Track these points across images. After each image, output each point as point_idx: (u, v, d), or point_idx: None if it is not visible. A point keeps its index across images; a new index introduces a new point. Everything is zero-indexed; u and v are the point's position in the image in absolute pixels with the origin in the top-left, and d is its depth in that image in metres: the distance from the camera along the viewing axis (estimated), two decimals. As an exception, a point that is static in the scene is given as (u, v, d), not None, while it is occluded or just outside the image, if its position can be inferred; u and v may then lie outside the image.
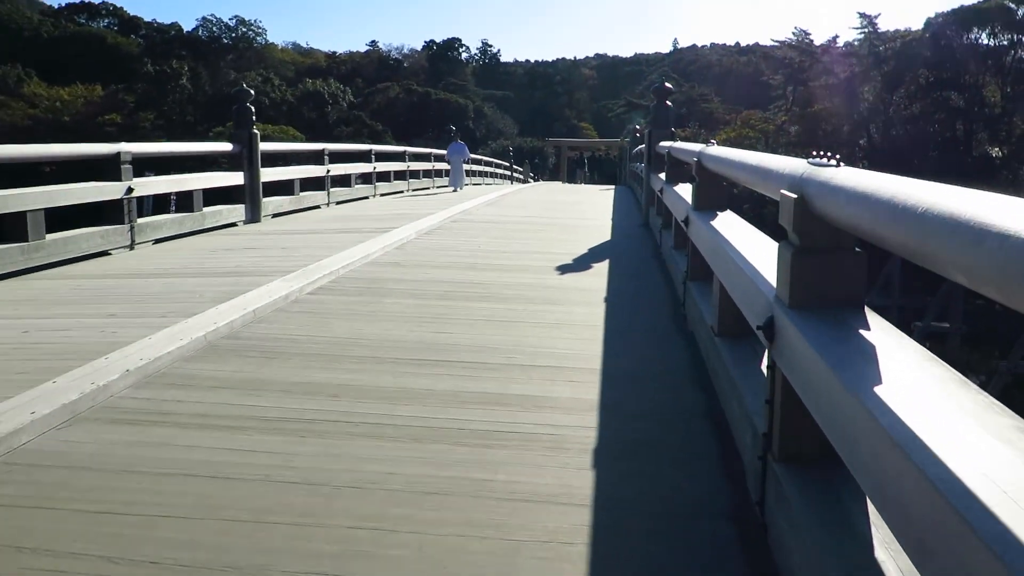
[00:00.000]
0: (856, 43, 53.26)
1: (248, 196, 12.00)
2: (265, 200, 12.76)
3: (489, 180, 33.93)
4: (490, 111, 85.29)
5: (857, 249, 2.50)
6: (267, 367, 4.32)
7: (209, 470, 3.00)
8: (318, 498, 2.81)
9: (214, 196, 11.87)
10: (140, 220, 9.22)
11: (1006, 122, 45.15)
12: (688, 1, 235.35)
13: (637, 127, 25.90)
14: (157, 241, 9.46)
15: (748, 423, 2.99)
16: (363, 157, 18.60)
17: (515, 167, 44.65)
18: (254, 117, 12.34)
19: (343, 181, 16.96)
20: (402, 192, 20.72)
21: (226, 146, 11.96)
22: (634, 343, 5.05)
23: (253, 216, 12.02)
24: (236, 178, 11.84)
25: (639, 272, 7.69)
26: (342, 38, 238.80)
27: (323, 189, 15.29)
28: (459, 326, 5.33)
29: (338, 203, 15.82)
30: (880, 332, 2.23)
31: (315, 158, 15.42)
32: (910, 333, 24.29)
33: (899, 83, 47.04)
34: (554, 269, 7.63)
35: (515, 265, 7.84)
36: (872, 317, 2.38)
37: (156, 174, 10.80)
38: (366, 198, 17.64)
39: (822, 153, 2.66)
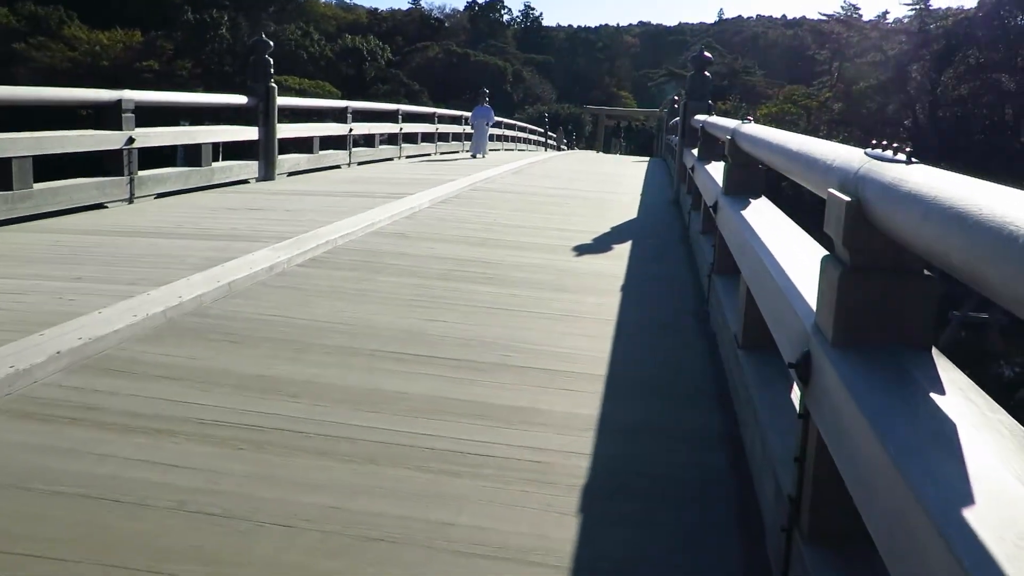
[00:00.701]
0: (906, 19, 51.54)
1: (262, 152, 11.50)
2: (281, 158, 12.26)
3: (522, 146, 33.20)
4: (529, 75, 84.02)
5: (927, 272, 1.92)
6: (227, 354, 3.82)
7: (114, 491, 2.49)
8: (235, 537, 2.29)
9: (231, 151, 11.43)
10: (141, 173, 8.75)
11: (1058, 107, 43.44)
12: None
13: (675, 97, 25.04)
14: (160, 196, 9.01)
15: (771, 472, 2.43)
16: (390, 117, 18.03)
17: (550, 134, 43.83)
18: (272, 69, 11.80)
19: (367, 141, 16.44)
20: (429, 155, 20.14)
21: (241, 99, 11.43)
22: (647, 343, 4.48)
23: (267, 174, 11.53)
24: (250, 133, 11.33)
25: (662, 257, 7.09)
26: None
27: (344, 148, 14.77)
28: (454, 313, 4.79)
29: (360, 164, 15.29)
30: (956, 393, 1.65)
31: (338, 116, 14.89)
32: (947, 323, 23.56)
33: (948, 63, 45.43)
34: (571, 249, 7.05)
35: (530, 243, 7.27)
36: (944, 367, 1.80)
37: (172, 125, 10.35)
38: (390, 159, 17.09)
39: (885, 143, 2.03)
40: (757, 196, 4.67)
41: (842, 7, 53.45)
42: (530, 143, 35.43)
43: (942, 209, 1.43)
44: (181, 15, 63.97)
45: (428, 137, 20.70)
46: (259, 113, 11.45)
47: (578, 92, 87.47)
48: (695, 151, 8.89)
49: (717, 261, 4.93)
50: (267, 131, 11.52)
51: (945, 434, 1.46)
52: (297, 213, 8.15)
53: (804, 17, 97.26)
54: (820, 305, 2.07)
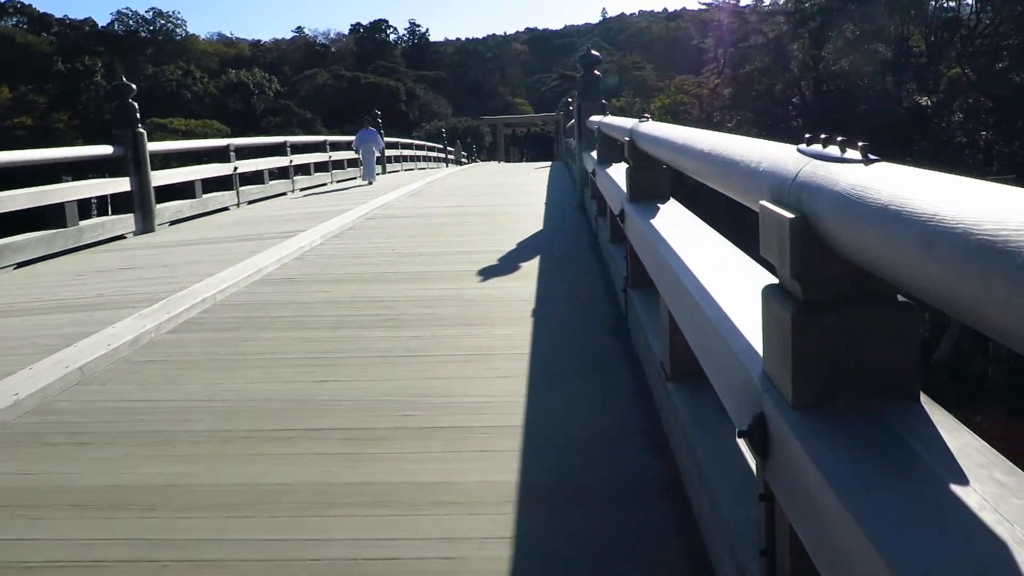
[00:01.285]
0: (782, 1, 52.89)
1: (137, 203, 10.68)
2: (161, 206, 11.46)
3: (422, 164, 32.64)
4: (422, 92, 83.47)
5: (901, 299, 1.48)
6: (70, 461, 3.19)
7: None
8: None
9: (108, 206, 10.60)
10: (-3, 243, 7.92)
11: (933, 71, 45.13)
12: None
13: (569, 100, 24.87)
14: (20, 265, 8.17)
15: (729, 550, 1.97)
16: (278, 150, 17.26)
17: (449, 149, 43.36)
18: (138, 114, 10.98)
19: (256, 178, 15.65)
20: (325, 185, 19.41)
21: (105, 149, 10.59)
22: (566, 378, 4.00)
23: (145, 226, 10.72)
24: (121, 184, 10.51)
25: (573, 271, 6.65)
26: (268, 26, 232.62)
27: (231, 189, 13.99)
28: (347, 368, 4.24)
29: (250, 203, 14.51)
30: (961, 453, 1.21)
31: (220, 155, 14.09)
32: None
33: (827, 39, 46.75)
34: (476, 274, 6.56)
35: (431, 272, 6.74)
36: (940, 419, 1.36)
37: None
38: (283, 195, 16.33)
39: (825, 137, 1.57)
40: (665, 199, 4.27)
41: (719, -5, 54.45)
42: (430, 160, 34.90)
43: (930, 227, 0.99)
44: (51, 66, 61.46)
45: (322, 167, 19.98)
46: (128, 162, 10.63)
47: (474, 104, 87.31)
48: (594, 154, 8.53)
49: (631, 275, 4.50)
50: (140, 180, 10.71)
51: (954, 513, 1.10)
52: (175, 268, 7.45)
53: (684, 9, 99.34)
54: (769, 350, 1.62)
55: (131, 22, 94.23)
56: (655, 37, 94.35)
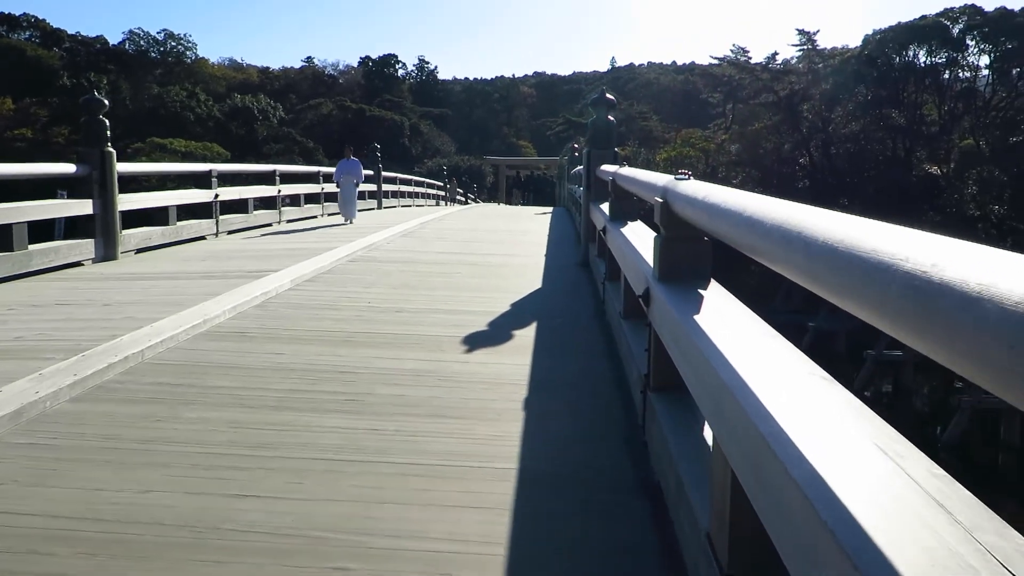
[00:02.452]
0: (795, 60, 52.62)
1: (100, 228, 9.72)
2: (128, 232, 10.51)
3: (420, 201, 31.81)
4: (427, 128, 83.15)
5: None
6: None
7: None
8: None
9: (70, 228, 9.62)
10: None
11: (945, 140, 44.65)
12: (624, 20, 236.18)
13: (575, 145, 24.07)
14: (-52, 294, 7.17)
15: None
16: (265, 179, 16.35)
17: (454, 188, 42.61)
18: (108, 131, 10.06)
19: (240, 207, 14.70)
20: (315, 217, 18.48)
21: (67, 167, 9.64)
22: (561, 521, 2.97)
23: (106, 253, 9.74)
24: (82, 207, 9.55)
25: (576, 347, 5.65)
26: (278, 54, 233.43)
27: (210, 217, 13.03)
28: (280, 476, 3.22)
29: (230, 233, 13.57)
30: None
31: (200, 180, 13.16)
32: (862, 362, 22.65)
33: (838, 101, 46.43)
34: (460, 341, 5.57)
35: (408, 336, 5.74)
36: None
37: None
38: (268, 225, 15.39)
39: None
40: (705, 283, 3.30)
41: (732, 50, 54.28)
42: (428, 197, 34.09)
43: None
44: (56, 80, 60.84)
45: (313, 198, 19.07)
46: (93, 183, 9.68)
47: (478, 143, 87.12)
48: (605, 207, 7.58)
49: (654, 372, 3.52)
50: (104, 203, 9.75)
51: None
52: (115, 308, 6.45)
53: (694, 63, 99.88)
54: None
55: (142, 42, 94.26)
56: (663, 88, 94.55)
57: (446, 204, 35.73)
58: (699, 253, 3.35)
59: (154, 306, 6.45)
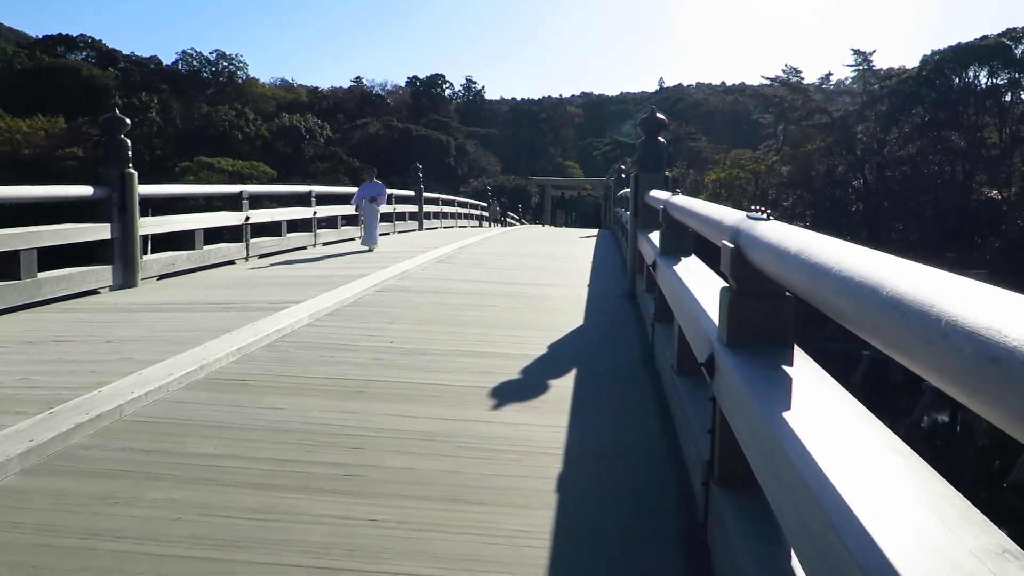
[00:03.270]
0: (850, 81, 51.35)
1: (118, 253, 9.23)
2: (149, 258, 10.02)
3: (463, 222, 31.27)
4: (473, 148, 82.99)
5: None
6: None
7: None
8: None
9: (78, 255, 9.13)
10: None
11: (1006, 164, 43.00)
12: (674, 41, 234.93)
13: (622, 167, 23.36)
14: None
15: None
16: (301, 200, 15.86)
17: (495, 208, 42.08)
18: (130, 152, 9.58)
19: (273, 229, 14.22)
20: (353, 239, 17.97)
21: (85, 190, 9.15)
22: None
23: (125, 280, 9.24)
24: (99, 231, 9.06)
25: (621, 402, 4.90)
26: (327, 74, 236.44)
27: (241, 240, 12.54)
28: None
29: (261, 256, 13.06)
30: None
31: (232, 201, 12.68)
32: (859, 360, 21.40)
33: (894, 122, 45.08)
34: (487, 394, 4.86)
35: (428, 385, 5.04)
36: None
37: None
38: (303, 248, 14.88)
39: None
40: (788, 350, 2.56)
41: (784, 71, 53.12)
42: (471, 219, 33.56)
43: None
44: (108, 99, 61.67)
45: (352, 220, 18.58)
46: (112, 206, 9.19)
47: (523, 163, 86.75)
48: (654, 238, 6.85)
49: (719, 462, 2.77)
50: (124, 227, 9.26)
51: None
52: (115, 346, 5.86)
53: (744, 83, 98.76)
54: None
55: (194, 62, 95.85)
56: (712, 109, 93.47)
57: (489, 225, 35.18)
58: (780, 312, 2.61)
59: (157, 344, 5.86)
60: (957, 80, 45.37)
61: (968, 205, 39.54)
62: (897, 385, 26.52)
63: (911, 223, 42.29)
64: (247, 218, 12.59)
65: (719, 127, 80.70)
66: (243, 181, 47.55)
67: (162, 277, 10.11)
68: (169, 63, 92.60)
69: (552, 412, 4.56)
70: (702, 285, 4.02)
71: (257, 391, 4.80)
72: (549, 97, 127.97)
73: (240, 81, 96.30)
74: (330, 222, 17.19)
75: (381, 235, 19.85)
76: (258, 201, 12.70)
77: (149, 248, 10.73)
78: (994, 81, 44.80)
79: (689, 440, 3.58)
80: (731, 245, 2.73)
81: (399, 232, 21.54)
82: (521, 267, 12.17)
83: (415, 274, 10.60)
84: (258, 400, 4.61)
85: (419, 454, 3.81)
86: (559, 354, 6.01)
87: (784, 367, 2.44)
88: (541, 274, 11.32)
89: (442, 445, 3.94)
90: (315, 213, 15.69)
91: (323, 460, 3.70)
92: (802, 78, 53.64)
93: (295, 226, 15.12)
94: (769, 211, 2.72)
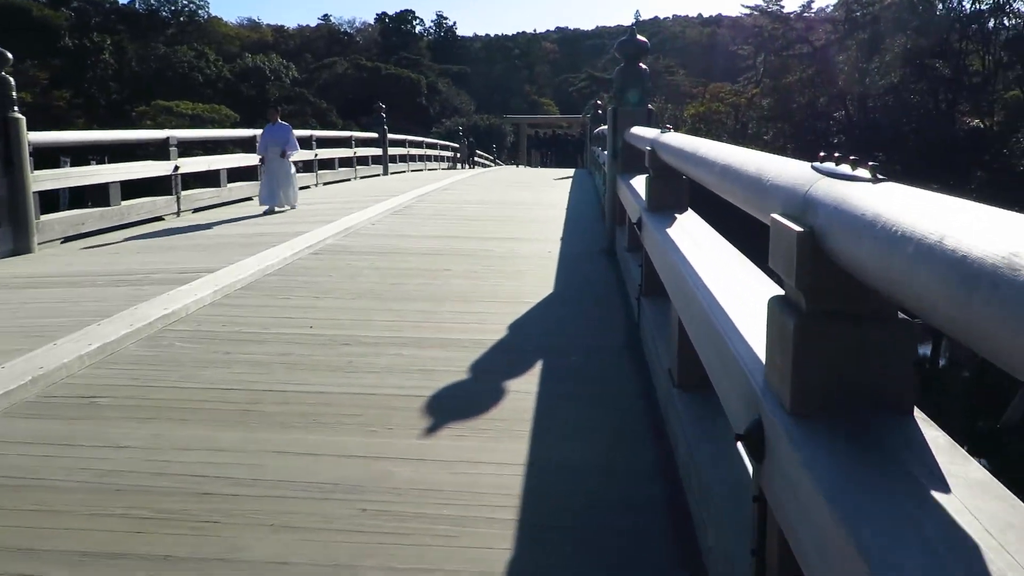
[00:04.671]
0: (831, 8, 49.56)
1: (6, 215, 7.83)
2: (51, 217, 8.63)
3: (433, 165, 29.72)
4: (445, 87, 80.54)
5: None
6: None
7: None
8: None
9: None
10: None
11: (989, 91, 41.75)
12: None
13: (598, 102, 21.87)
14: None
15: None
16: (242, 145, 14.34)
17: (466, 149, 40.43)
18: (14, 94, 8.10)
19: (212, 179, 12.75)
20: (309, 187, 16.52)
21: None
22: None
23: (17, 245, 7.88)
24: (-22, 188, 7.64)
25: (600, 416, 3.62)
26: (295, 12, 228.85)
27: (170, 193, 11.09)
28: None
29: (197, 210, 11.65)
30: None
31: (156, 150, 11.21)
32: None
33: (876, 51, 43.58)
34: (422, 408, 3.59)
35: (344, 396, 3.76)
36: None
37: None
38: (248, 199, 13.42)
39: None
40: (918, 430, 1.31)
41: (763, -1, 51.19)
42: (442, 160, 31.98)
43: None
44: (58, 41, 58.71)
45: (306, 166, 17.10)
46: (-6, 158, 7.76)
47: (498, 102, 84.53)
48: (638, 185, 5.56)
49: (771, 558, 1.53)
50: (11, 183, 7.84)
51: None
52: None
53: (720, 15, 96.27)
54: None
55: (153, 1, 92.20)
56: (689, 42, 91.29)
57: (461, 167, 33.65)
58: (898, 358, 1.35)
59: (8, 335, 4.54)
60: (940, 6, 43.85)
61: (952, 135, 38.37)
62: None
63: (893, 154, 41.18)
64: (176, 168, 11.14)
65: (697, 60, 78.72)
66: (203, 125, 45.49)
67: (69, 239, 8.72)
68: (126, 2, 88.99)
69: (506, 436, 3.31)
70: (717, 266, 2.76)
71: (104, 416, 3.51)
72: (523, 32, 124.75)
73: (202, 20, 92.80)
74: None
75: (337, 181, 18.38)
76: (172, 151, 11.00)
77: (66, 205, 9.34)
78: (977, 6, 43.28)
79: (704, 509, 2.34)
80: (797, 228, 1.45)
81: (361, 178, 20.05)
82: (486, 217, 10.81)
83: (364, 230, 9.25)
84: (99, 433, 3.32)
85: (303, 531, 2.56)
86: (521, 339, 4.74)
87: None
88: (508, 225, 9.98)
89: (341, 511, 2.68)
90: (262, 161, 14.18)
91: (150, 550, 2.44)
92: (782, 6, 51.74)
93: (239, 175, 13.65)
94: (872, 163, 1.43)
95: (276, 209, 11.65)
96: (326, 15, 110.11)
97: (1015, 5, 42.14)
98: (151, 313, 4.99)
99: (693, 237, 3.49)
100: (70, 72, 57.07)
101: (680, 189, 4.40)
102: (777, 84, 47.19)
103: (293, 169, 12.33)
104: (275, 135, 12.16)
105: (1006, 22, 42.45)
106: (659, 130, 4.71)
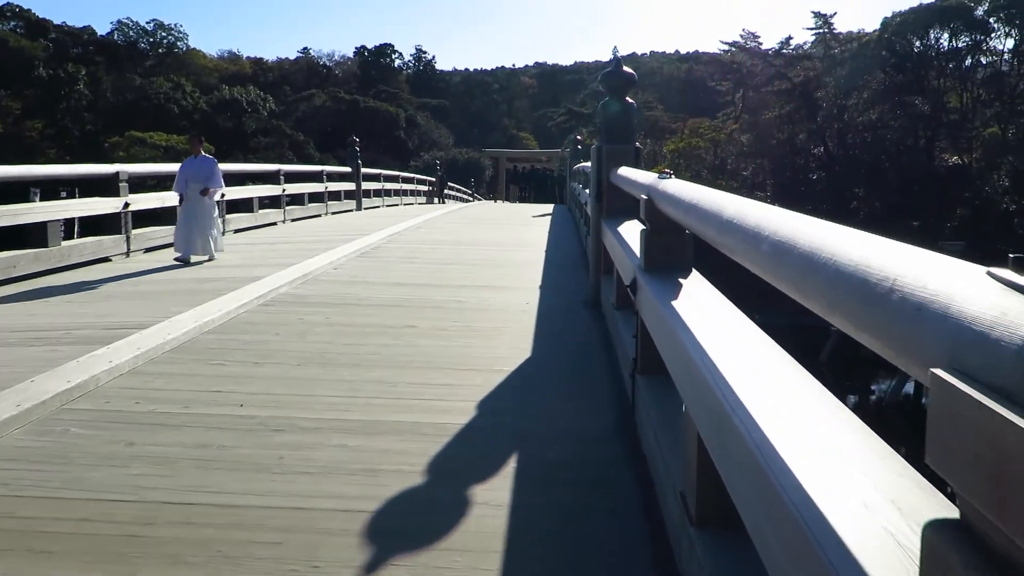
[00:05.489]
0: (810, 45, 49.59)
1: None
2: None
3: (410, 199, 29.01)
4: (424, 120, 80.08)
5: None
6: None
7: None
8: None
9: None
10: None
11: (968, 128, 41.67)
12: (627, 9, 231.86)
13: (578, 137, 21.27)
14: None
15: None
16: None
17: (455, 186, 39.84)
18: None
19: (165, 217, 11.91)
20: (276, 224, 15.73)
21: None
22: None
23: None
24: None
25: (591, 543, 2.85)
26: (275, 45, 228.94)
27: (120, 232, 10.27)
28: None
29: (149, 250, 10.82)
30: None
31: (102, 186, 10.38)
32: (828, 336, 19.93)
33: (855, 87, 43.56)
34: (360, 540, 2.77)
35: (256, 529, 2.93)
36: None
37: None
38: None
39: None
40: None
41: (741, 35, 51.24)
42: (418, 195, 31.27)
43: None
44: (32, 71, 57.71)
45: (275, 201, 16.33)
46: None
47: (477, 135, 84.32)
48: (628, 235, 4.82)
49: None
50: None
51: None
52: None
53: (698, 51, 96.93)
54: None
55: (131, 32, 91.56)
56: (667, 78, 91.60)
57: (438, 202, 32.94)
58: None
59: None
60: (918, 43, 43.95)
61: (933, 171, 38.16)
62: (870, 360, 24.92)
63: (873, 191, 40.95)
64: (127, 204, 10.31)
65: (676, 95, 78.85)
66: (179, 158, 44.61)
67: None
68: (104, 33, 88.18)
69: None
70: (752, 365, 2.00)
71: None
72: (502, 67, 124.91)
73: (180, 52, 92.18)
74: (245, 205, 14.94)
75: (307, 218, 17.57)
76: (122, 187, 10.11)
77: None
78: (955, 44, 43.40)
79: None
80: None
81: (333, 213, 19.28)
82: (460, 260, 10.03)
83: (325, 275, 8.44)
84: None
85: None
86: (492, 423, 3.95)
87: None
88: (483, 271, 9.19)
89: None
90: (223, 196, 13.36)
91: None
92: (760, 43, 51.78)
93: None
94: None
95: (192, 259, 9.73)
96: (306, 48, 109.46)
97: (991, 43, 42.31)
98: (49, 388, 4.15)
99: (709, 314, 2.75)
100: (44, 102, 56.06)
101: (684, 247, 3.66)
102: (756, 120, 47.11)
103: (216, 211, 10.60)
104: (196, 169, 10.26)
105: (983, 60, 42.59)
106: (655, 175, 3.97)
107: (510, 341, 5.60)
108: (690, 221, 2.95)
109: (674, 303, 3.02)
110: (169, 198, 11.68)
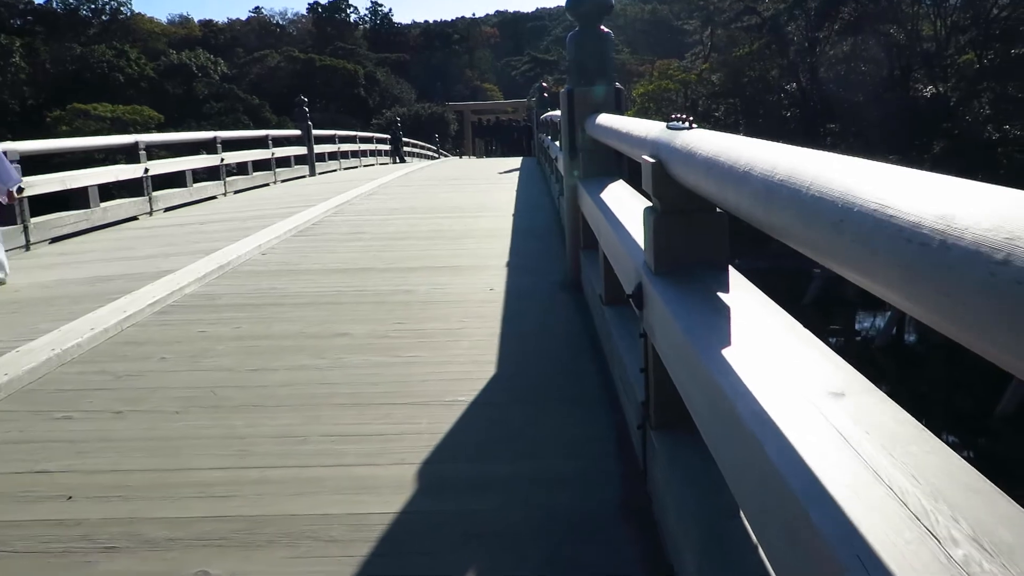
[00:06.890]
0: (778, -23, 47.93)
1: None
2: None
3: (369, 160, 27.38)
4: (384, 76, 77.57)
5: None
6: None
7: None
8: None
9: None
10: None
11: (942, 57, 40.44)
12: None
13: (544, 84, 19.74)
14: None
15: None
16: (128, 154, 11.96)
17: (416, 143, 38.17)
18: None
19: (77, 200, 10.40)
20: (216, 198, 14.21)
21: None
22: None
23: None
24: None
25: None
26: (226, 6, 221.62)
27: (15, 222, 8.77)
28: None
29: (55, 240, 9.32)
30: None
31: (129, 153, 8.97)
32: (811, 279, 19.21)
33: (826, 18, 42.15)
34: None
35: None
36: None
37: None
38: (134, 218, 11.11)
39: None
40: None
41: (709, -31, 49.56)
42: (379, 155, 29.62)
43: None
44: (-37, 45, 54.63)
45: (214, 173, 14.77)
46: None
47: (440, 89, 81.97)
48: (622, 215, 3.48)
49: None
50: None
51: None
52: None
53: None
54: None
55: (72, 0, 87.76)
56: (632, 19, 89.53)
57: (398, 160, 31.29)
58: None
59: None
60: (893, -32, 42.48)
61: (911, 103, 36.97)
62: (852, 301, 23.98)
63: (849, 125, 39.79)
64: (146, 170, 9.14)
65: (642, 37, 77.10)
66: (125, 129, 42.47)
67: None
68: (42, 2, 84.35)
69: None
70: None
71: None
72: (462, 17, 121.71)
73: (124, 17, 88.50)
74: (179, 179, 13.39)
75: (252, 188, 16.03)
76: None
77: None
78: (930, -34, 42.04)
79: None
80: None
81: (282, 181, 17.75)
82: (414, 234, 8.61)
83: (248, 264, 7.03)
84: None
85: None
86: (433, 513, 2.63)
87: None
88: (439, 246, 7.78)
89: None
90: (147, 172, 11.79)
91: None
92: (728, -23, 50.08)
93: (109, 193, 11.36)
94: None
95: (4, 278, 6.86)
96: (257, 8, 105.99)
97: (965, -34, 40.94)
98: None
99: (778, 359, 1.44)
100: (-27, 78, 53.20)
101: (717, 233, 2.33)
102: (726, 58, 45.74)
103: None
104: None
105: (956, -16, 41.20)
106: (663, 125, 2.60)
107: (469, 351, 4.26)
108: (742, 201, 1.61)
109: (724, 352, 1.70)
110: (79, 178, 10.15)
